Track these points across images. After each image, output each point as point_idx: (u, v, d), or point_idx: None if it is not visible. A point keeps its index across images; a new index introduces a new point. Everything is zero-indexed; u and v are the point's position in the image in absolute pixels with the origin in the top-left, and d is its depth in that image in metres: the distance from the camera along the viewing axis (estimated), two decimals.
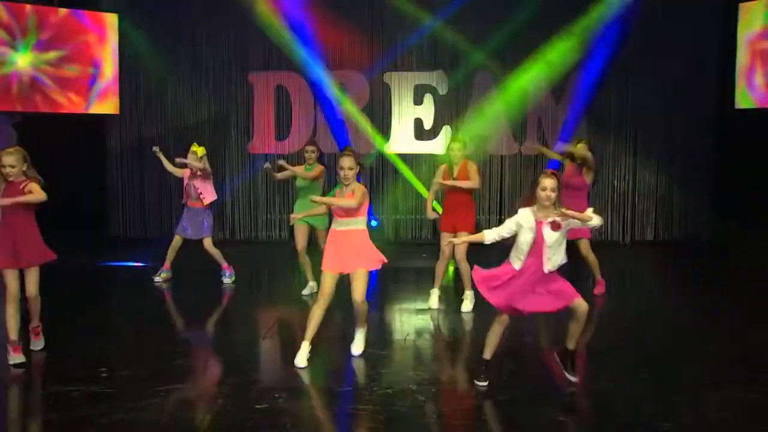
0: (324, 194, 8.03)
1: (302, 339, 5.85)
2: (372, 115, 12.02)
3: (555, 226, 5.06)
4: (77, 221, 11.54)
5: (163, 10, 11.50)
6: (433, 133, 12.03)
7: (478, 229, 7.72)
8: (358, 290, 5.80)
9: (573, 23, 11.27)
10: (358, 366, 5.97)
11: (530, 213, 5.12)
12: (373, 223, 11.96)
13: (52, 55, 9.26)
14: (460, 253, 7.45)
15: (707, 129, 11.76)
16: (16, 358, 5.79)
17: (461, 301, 7.64)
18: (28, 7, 9.04)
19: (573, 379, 5.30)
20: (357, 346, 6.13)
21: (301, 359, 5.79)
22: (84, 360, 5.95)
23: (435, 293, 7.73)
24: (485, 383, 5.36)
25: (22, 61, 9.06)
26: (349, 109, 11.86)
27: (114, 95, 9.94)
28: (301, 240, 8.11)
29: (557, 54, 11.44)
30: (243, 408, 5.07)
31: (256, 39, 11.75)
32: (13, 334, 5.82)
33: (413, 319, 7.41)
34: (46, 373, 5.75)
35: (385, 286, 8.85)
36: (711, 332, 7.08)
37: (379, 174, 12.10)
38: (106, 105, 9.94)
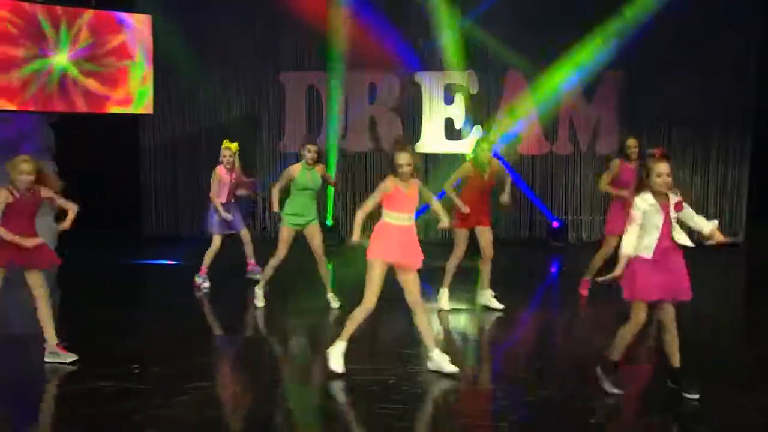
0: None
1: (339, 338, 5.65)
2: (402, 115, 12.02)
3: (678, 206, 4.95)
4: (111, 219, 11.71)
5: (196, 12, 11.60)
6: (462, 132, 12.00)
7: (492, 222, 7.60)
8: (415, 291, 5.58)
9: (605, 23, 11.17)
10: (388, 365, 5.94)
11: (649, 196, 4.91)
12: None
13: (89, 55, 9.38)
14: (491, 252, 7.40)
15: (744, 128, 11.53)
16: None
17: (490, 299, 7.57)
18: (66, 9, 9.18)
19: (694, 396, 5.02)
20: (444, 364, 5.58)
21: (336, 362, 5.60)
22: (117, 357, 6.01)
23: (445, 293, 7.60)
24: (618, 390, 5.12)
25: (60, 61, 9.20)
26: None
27: (147, 95, 10.04)
28: (285, 247, 7.49)
29: (588, 53, 11.35)
30: (269, 406, 5.10)
31: (287, 40, 11.82)
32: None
33: (443, 319, 7.35)
34: (83, 368, 5.78)
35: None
36: (746, 334, 6.95)
37: None
38: (140, 104, 10.04)
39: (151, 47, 9.89)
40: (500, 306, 7.49)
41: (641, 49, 11.18)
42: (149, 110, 10.21)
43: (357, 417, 5.00)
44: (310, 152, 7.47)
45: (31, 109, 9.25)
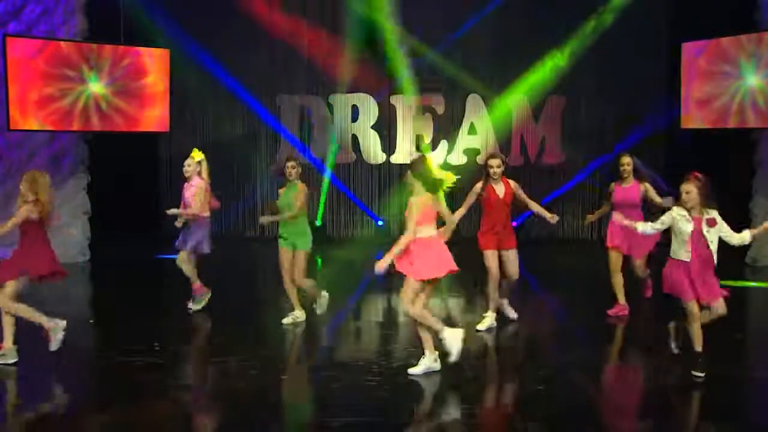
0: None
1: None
2: (380, 131, 12.16)
3: (711, 222, 4.85)
4: (134, 219, 11.73)
5: (207, 45, 11.57)
6: (432, 146, 12.16)
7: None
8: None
9: (552, 53, 11.39)
10: (369, 345, 6.06)
11: (683, 210, 4.88)
12: (379, 223, 12.11)
13: (117, 84, 9.58)
14: (515, 273, 6.39)
15: (659, 145, 11.71)
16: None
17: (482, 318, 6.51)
18: (100, 45, 9.47)
19: (700, 374, 4.91)
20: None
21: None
22: (143, 337, 6.03)
23: (491, 317, 6.35)
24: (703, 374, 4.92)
25: (94, 89, 9.40)
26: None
27: (165, 116, 10.18)
28: (287, 264, 6.45)
29: (536, 80, 11.57)
30: (271, 378, 5.22)
31: (282, 67, 11.89)
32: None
33: None
34: (115, 345, 5.86)
35: (394, 279, 8.87)
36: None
37: (385, 179, 12.21)
38: (158, 124, 10.19)
39: (168, 76, 10.04)
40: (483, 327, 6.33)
41: (577, 78, 11.41)
42: (165, 128, 10.35)
43: (341, 387, 4.98)
44: (287, 168, 6.43)
45: (71, 128, 9.43)
